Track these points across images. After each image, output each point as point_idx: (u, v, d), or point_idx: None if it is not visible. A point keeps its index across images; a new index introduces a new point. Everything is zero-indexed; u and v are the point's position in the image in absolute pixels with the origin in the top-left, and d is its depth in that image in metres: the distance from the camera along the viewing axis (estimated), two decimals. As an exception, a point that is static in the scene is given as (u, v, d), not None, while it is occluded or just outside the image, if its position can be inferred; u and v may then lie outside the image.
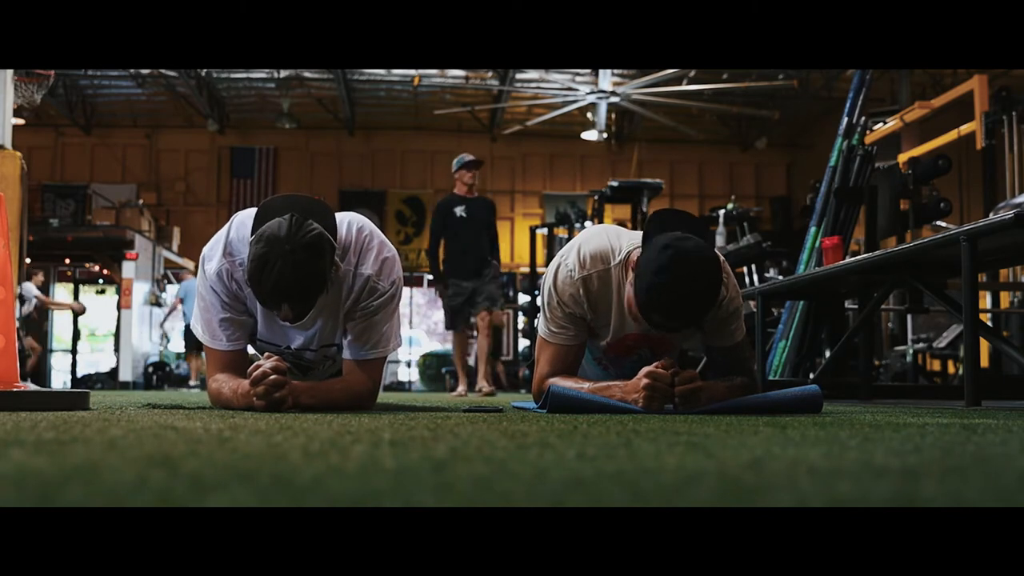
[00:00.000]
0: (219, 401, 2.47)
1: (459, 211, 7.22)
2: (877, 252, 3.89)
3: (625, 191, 9.23)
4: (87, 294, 15.86)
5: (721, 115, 15.13)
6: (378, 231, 2.51)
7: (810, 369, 5.42)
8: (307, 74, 14.00)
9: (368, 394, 2.52)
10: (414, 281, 17.11)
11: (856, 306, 5.36)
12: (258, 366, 2.27)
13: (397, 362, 16.50)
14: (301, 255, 2.13)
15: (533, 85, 13.87)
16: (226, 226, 2.49)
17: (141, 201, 14.50)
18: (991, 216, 3.42)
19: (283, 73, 13.79)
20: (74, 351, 12.14)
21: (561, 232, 12.58)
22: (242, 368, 2.46)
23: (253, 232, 2.23)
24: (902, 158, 6.93)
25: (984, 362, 6.64)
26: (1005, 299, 7.16)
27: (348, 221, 2.45)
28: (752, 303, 4.91)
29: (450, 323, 7.32)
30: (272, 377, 2.23)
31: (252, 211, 2.40)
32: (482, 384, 7.17)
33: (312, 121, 15.78)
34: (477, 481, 0.77)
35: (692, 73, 12.65)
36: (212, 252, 2.46)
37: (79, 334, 13.21)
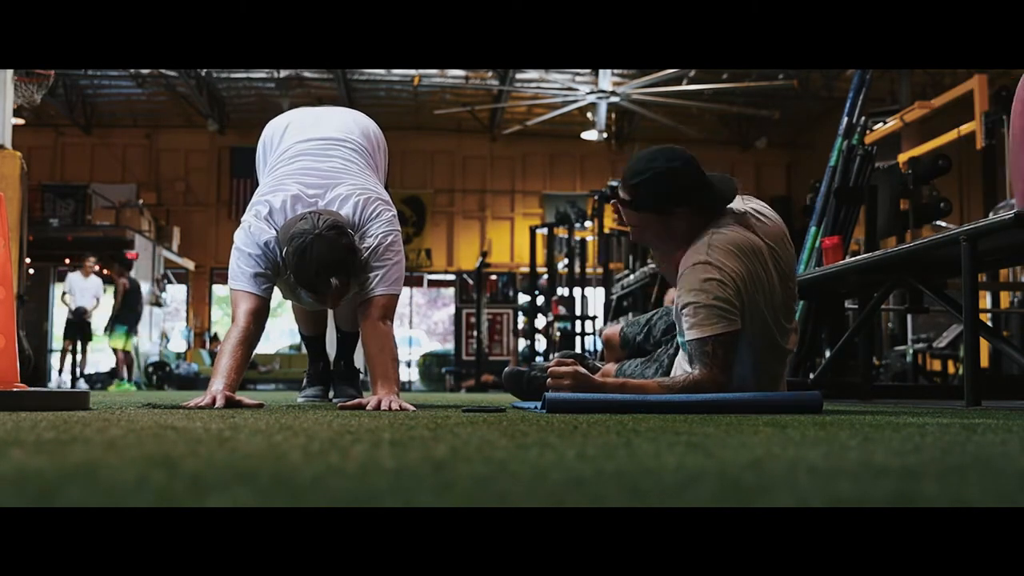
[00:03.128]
0: (222, 348, 2.76)
1: None
2: (877, 252, 3.89)
3: (625, 191, 9.20)
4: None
5: (721, 115, 15.12)
6: (377, 195, 2.88)
7: (810, 369, 5.42)
8: (307, 74, 14.00)
9: (386, 333, 2.80)
10: (414, 281, 17.11)
11: (856, 306, 5.35)
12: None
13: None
14: (329, 234, 2.57)
15: (533, 85, 13.87)
16: (251, 216, 2.82)
17: (141, 201, 14.50)
18: (991, 216, 3.43)
19: (283, 73, 13.78)
20: (74, 351, 12.17)
21: (561, 232, 12.58)
22: (264, 313, 2.84)
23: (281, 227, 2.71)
24: (902, 158, 6.92)
25: (984, 362, 6.63)
26: (1005, 299, 7.16)
27: (352, 202, 2.80)
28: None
29: None
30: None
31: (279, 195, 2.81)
32: None
33: (312, 121, 15.76)
34: (477, 481, 0.77)
35: (692, 73, 12.65)
36: (245, 230, 2.81)
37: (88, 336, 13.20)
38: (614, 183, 2.78)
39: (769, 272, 2.44)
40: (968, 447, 1.15)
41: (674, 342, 2.72)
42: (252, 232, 2.80)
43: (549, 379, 2.41)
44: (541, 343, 13.22)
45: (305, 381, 3.86)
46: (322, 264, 2.58)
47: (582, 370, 2.43)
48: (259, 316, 2.82)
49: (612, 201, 2.47)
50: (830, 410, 2.53)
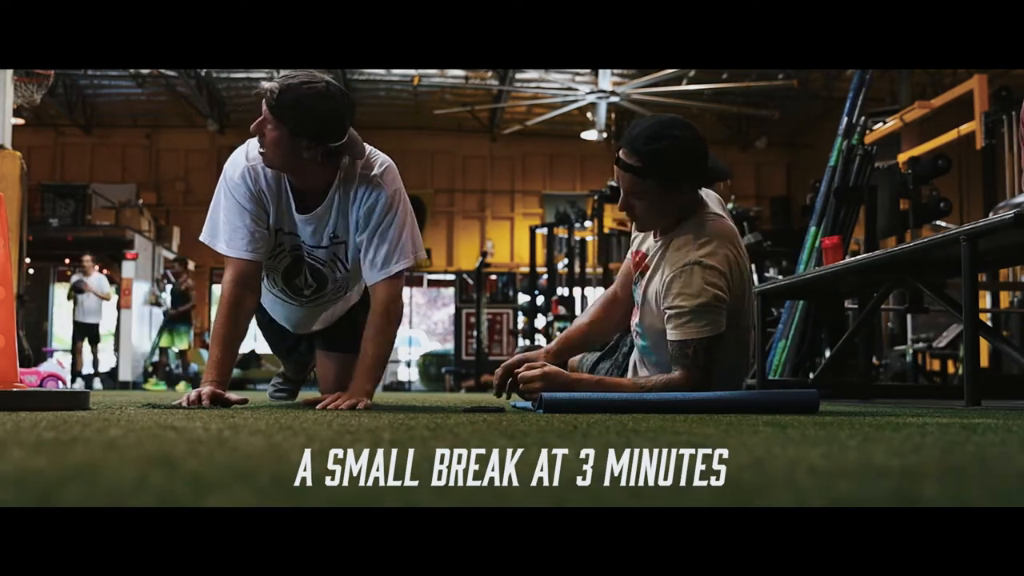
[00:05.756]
0: (213, 329, 2.62)
1: None
2: (877, 252, 3.89)
3: (625, 191, 9.19)
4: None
5: (721, 115, 15.12)
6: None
7: (810, 369, 5.42)
8: (307, 74, 14.00)
9: (396, 314, 2.68)
10: (414, 281, 17.10)
11: (856, 306, 5.36)
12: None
13: (396, 362, 16.46)
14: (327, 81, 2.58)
15: (533, 85, 13.87)
16: (245, 143, 2.70)
17: (141, 201, 14.49)
18: (991, 216, 3.42)
19: (283, 73, 13.77)
20: (80, 352, 12.26)
21: (561, 232, 12.58)
22: (255, 281, 2.65)
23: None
24: (902, 158, 6.93)
25: (984, 362, 6.63)
26: (1005, 299, 7.16)
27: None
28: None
29: None
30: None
31: None
32: None
33: (312, 121, 15.75)
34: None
35: (692, 73, 12.64)
36: (235, 162, 2.65)
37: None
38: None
39: (744, 257, 2.45)
40: (968, 447, 1.15)
41: (628, 338, 2.71)
42: (227, 177, 2.62)
43: (521, 384, 2.37)
44: (541, 343, 13.23)
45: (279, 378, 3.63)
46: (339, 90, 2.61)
47: (552, 368, 2.38)
48: (246, 282, 2.63)
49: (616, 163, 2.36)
50: (830, 410, 2.53)
